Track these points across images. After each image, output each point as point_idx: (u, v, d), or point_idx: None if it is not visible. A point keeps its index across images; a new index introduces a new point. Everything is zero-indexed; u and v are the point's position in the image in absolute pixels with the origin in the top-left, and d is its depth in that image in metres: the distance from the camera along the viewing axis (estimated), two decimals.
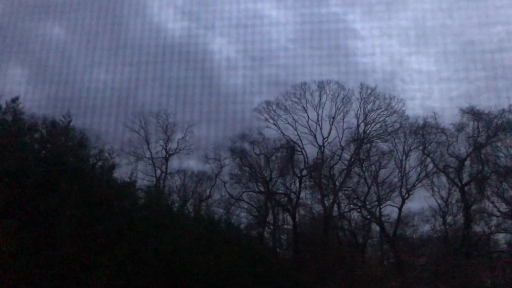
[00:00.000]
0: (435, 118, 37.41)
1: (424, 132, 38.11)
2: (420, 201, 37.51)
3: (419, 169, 38.18)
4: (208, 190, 41.01)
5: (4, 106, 17.88)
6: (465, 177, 37.26)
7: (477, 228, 36.08)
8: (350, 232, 39.73)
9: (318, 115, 40.05)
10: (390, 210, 38.50)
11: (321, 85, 39.93)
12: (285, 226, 41.44)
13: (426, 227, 37.82)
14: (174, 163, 41.04)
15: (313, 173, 40.58)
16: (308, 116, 40.06)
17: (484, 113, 36.14)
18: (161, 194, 26.68)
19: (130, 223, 17.49)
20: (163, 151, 40.76)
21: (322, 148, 40.18)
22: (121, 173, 23.35)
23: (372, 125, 40.01)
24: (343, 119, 40.05)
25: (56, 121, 19.12)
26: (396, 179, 38.63)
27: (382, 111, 39.69)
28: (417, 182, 37.93)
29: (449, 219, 37.25)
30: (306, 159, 40.65)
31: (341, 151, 39.91)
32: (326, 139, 40.08)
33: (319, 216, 39.22)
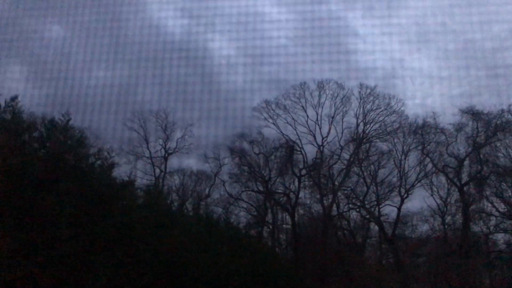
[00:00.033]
0: (435, 118, 37.46)
1: (423, 132, 38.12)
2: (419, 201, 37.60)
3: (418, 169, 38.23)
4: (207, 190, 41.02)
5: (3, 104, 17.87)
6: (464, 177, 37.30)
7: (476, 228, 36.15)
8: (349, 232, 39.74)
9: (317, 114, 40.07)
10: (389, 210, 38.57)
11: (320, 85, 39.95)
12: (284, 225, 41.46)
13: (425, 227, 37.91)
14: (173, 162, 41.05)
15: (312, 173, 40.56)
16: (308, 116, 40.08)
17: (484, 113, 36.19)
18: (160, 193, 26.64)
19: (129, 222, 17.47)
20: (162, 150, 40.76)
21: (321, 147, 40.19)
22: (120, 172, 23.29)
23: (372, 124, 40.04)
24: (343, 119, 40.08)
25: (55, 120, 19.08)
26: (395, 179, 38.69)
27: (382, 111, 39.72)
28: (416, 182, 37.95)
29: (448, 219, 37.32)
30: (305, 159, 40.68)
31: (340, 150, 39.94)
32: (325, 139, 40.11)
33: (318, 215, 39.23)
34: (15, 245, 14.15)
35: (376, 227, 39.00)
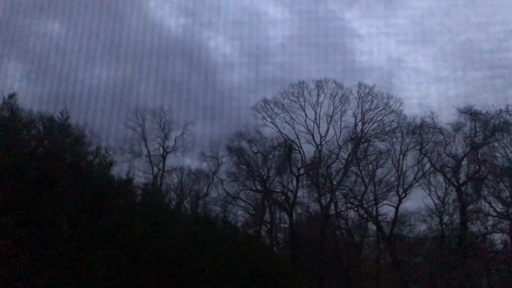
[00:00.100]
0: (433, 118, 37.53)
1: (421, 131, 38.18)
2: (417, 200, 37.66)
3: (416, 168, 38.30)
4: (205, 188, 41.00)
5: (1, 102, 17.81)
6: (462, 177, 37.38)
7: (474, 228, 36.21)
8: (347, 231, 39.77)
9: (315, 114, 40.13)
10: (387, 209, 38.63)
11: (319, 84, 40.00)
12: (282, 224, 41.47)
13: (423, 227, 37.96)
14: (171, 161, 41.02)
15: (310, 172, 40.59)
16: (306, 115, 40.15)
17: (482, 113, 36.25)
18: (158, 192, 26.61)
19: (127, 221, 17.44)
20: (160, 148, 40.74)
21: (319, 147, 40.25)
22: (119, 170, 23.25)
23: (370, 124, 40.11)
24: (341, 118, 40.15)
25: (53, 118, 19.05)
26: (393, 179, 38.74)
27: (380, 111, 39.81)
28: (414, 182, 38.03)
29: (445, 218, 37.39)
30: (303, 158, 40.70)
31: (338, 150, 39.99)
32: (323, 138, 40.15)
33: (316, 215, 39.27)
34: (13, 244, 14.12)
35: (374, 227, 39.06)
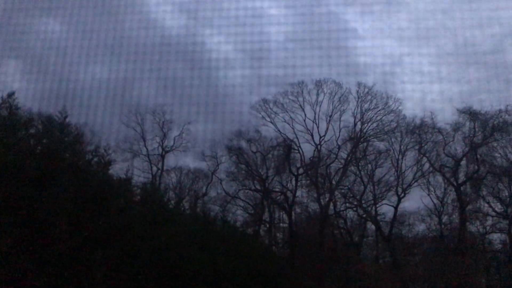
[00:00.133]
0: (432, 118, 37.50)
1: (420, 131, 38.17)
2: (416, 200, 37.66)
3: (415, 168, 38.30)
4: (204, 188, 40.95)
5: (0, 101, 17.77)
6: (461, 177, 37.39)
7: (472, 227, 36.24)
8: (345, 231, 39.78)
9: (315, 113, 40.06)
10: (386, 209, 38.64)
11: (318, 84, 39.94)
12: (281, 224, 41.44)
13: (422, 227, 37.99)
14: (171, 160, 40.95)
15: (309, 172, 40.57)
16: (305, 115, 40.09)
17: (481, 113, 36.26)
18: (157, 191, 26.59)
19: (125, 220, 17.42)
20: (160, 148, 40.67)
21: (318, 146, 40.21)
22: (117, 169, 23.25)
23: (369, 124, 40.06)
24: (340, 118, 40.08)
25: (52, 116, 19.03)
26: (392, 178, 38.73)
27: (379, 110, 39.75)
28: (413, 182, 38.03)
29: (444, 218, 37.42)
30: (302, 158, 40.66)
31: (337, 149, 39.96)
32: (322, 138, 40.11)
33: (315, 214, 39.25)
34: (12, 242, 14.08)
35: (373, 226, 39.07)
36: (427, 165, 38.22)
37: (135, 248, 17.08)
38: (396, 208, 37.72)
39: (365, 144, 40.40)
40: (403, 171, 38.40)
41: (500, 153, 36.07)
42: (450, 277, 30.45)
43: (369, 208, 39.06)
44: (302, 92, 39.99)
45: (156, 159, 40.50)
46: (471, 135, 37.02)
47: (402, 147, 38.70)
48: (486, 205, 35.68)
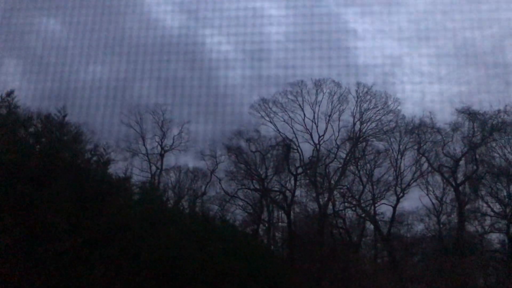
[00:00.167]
0: (431, 118, 37.50)
1: (419, 131, 38.19)
2: (415, 200, 37.68)
3: (414, 168, 38.32)
4: (203, 187, 40.94)
5: None
6: (460, 177, 37.41)
7: (471, 227, 36.28)
8: (344, 231, 39.81)
9: (314, 113, 40.06)
10: (384, 209, 38.65)
11: (317, 83, 39.94)
12: (280, 223, 41.45)
13: (420, 226, 38.00)
14: (170, 159, 40.95)
15: (308, 171, 40.58)
16: (304, 114, 40.09)
17: (480, 113, 36.29)
18: (156, 190, 26.61)
19: (124, 219, 17.42)
20: (159, 147, 40.66)
21: (317, 146, 40.21)
22: (116, 168, 23.22)
23: (368, 123, 40.08)
24: (339, 118, 40.08)
25: (51, 115, 19.02)
26: (391, 178, 38.75)
27: (378, 110, 39.76)
28: (411, 181, 38.05)
29: (443, 218, 37.42)
30: (301, 157, 40.65)
31: (336, 149, 39.96)
32: (322, 137, 40.12)
33: (314, 214, 39.27)
34: (11, 240, 14.08)
35: (372, 226, 39.10)
36: (426, 165, 38.27)
37: (134, 247, 17.08)
38: (394, 207, 37.76)
39: (364, 143, 40.43)
40: (402, 170, 38.45)
41: (498, 153, 36.11)
42: (448, 276, 30.48)
43: (368, 208, 39.10)
44: (301, 91, 40.01)
45: (155, 158, 40.52)
46: (470, 135, 37.05)
47: (401, 147, 38.75)
48: (485, 205, 35.71)
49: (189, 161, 41.58)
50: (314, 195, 39.28)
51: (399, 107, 39.10)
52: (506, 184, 35.10)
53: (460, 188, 36.94)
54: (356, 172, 39.68)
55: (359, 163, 39.82)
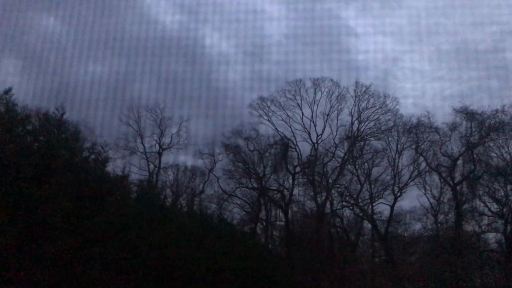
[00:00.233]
0: (429, 117, 37.61)
1: (417, 131, 38.25)
2: (412, 199, 37.78)
3: (411, 167, 38.40)
4: (201, 185, 40.96)
5: None
6: (457, 177, 37.50)
7: (468, 227, 36.37)
8: (342, 229, 39.88)
9: (312, 112, 40.11)
10: (382, 208, 38.75)
11: (316, 82, 39.98)
12: (278, 222, 41.51)
13: (418, 226, 38.09)
14: (168, 158, 40.95)
15: (306, 170, 40.62)
16: (303, 113, 40.13)
17: (477, 113, 36.36)
18: (154, 188, 26.60)
19: (122, 217, 17.42)
20: (157, 145, 40.65)
21: (315, 145, 40.26)
22: (114, 167, 23.21)
23: (366, 123, 40.14)
24: (337, 117, 40.16)
25: (49, 113, 18.99)
26: (388, 177, 38.84)
27: (376, 109, 39.82)
28: (409, 181, 38.13)
29: (440, 217, 37.50)
30: (299, 156, 40.71)
31: (334, 148, 40.03)
32: (320, 136, 40.18)
33: (312, 213, 39.32)
34: (9, 239, 14.07)
35: (369, 225, 39.17)
36: (423, 165, 38.36)
37: (132, 246, 17.08)
38: (392, 207, 37.84)
39: (362, 143, 40.49)
40: (399, 170, 38.53)
41: (496, 153, 36.20)
42: (445, 276, 30.56)
43: (366, 207, 39.17)
44: (300, 90, 40.05)
45: (153, 156, 40.51)
46: (467, 135, 37.13)
47: (399, 146, 38.82)
48: (482, 204, 35.80)
49: (187, 159, 41.64)
50: (312, 194, 39.34)
51: (397, 107, 39.24)
52: (504, 184, 35.18)
53: (458, 187, 37.02)
54: (354, 171, 39.77)
55: (357, 162, 39.88)
